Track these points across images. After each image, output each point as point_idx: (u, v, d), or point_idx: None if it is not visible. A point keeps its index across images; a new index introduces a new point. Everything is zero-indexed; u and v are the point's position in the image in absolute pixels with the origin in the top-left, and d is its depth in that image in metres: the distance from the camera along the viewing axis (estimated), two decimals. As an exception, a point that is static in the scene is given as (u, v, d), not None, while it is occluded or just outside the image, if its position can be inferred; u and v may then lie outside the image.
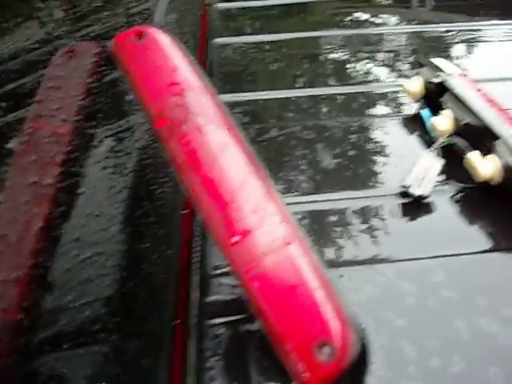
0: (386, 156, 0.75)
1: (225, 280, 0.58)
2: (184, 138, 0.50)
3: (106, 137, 0.56)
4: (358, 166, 0.73)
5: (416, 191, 0.64)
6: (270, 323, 0.45)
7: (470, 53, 1.09)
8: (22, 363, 0.40)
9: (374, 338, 0.50)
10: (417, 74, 0.82)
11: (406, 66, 1.04)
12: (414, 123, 0.81)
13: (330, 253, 0.60)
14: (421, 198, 0.64)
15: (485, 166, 0.64)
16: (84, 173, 0.48)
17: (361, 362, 0.49)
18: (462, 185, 0.68)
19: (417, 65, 0.85)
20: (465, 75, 0.80)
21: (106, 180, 0.51)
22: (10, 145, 0.50)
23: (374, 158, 0.75)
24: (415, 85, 0.80)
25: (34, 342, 0.42)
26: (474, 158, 0.65)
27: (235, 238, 0.47)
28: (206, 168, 0.49)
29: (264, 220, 0.47)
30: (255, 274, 0.46)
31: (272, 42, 1.13)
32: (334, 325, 0.44)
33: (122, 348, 0.48)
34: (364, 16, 1.32)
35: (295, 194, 0.69)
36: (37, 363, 0.41)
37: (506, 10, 1.29)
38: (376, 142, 0.78)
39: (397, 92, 0.90)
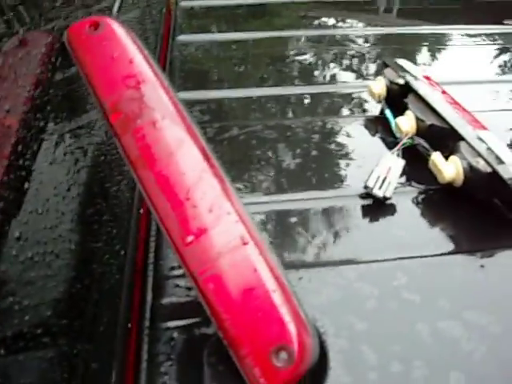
0: (349, 156, 0.74)
1: (180, 282, 0.56)
2: (138, 133, 0.48)
3: (56, 131, 0.54)
4: (320, 167, 0.72)
5: (378, 192, 0.63)
6: (225, 327, 0.43)
7: (433, 56, 1.09)
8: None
9: (334, 342, 0.49)
10: (381, 74, 0.81)
11: (371, 68, 1.04)
12: (378, 124, 0.80)
13: (290, 254, 0.58)
14: (383, 199, 0.63)
15: (448, 167, 0.63)
16: (30, 168, 0.45)
17: (319, 367, 0.47)
18: (423, 186, 0.67)
19: (381, 66, 0.84)
20: (428, 77, 0.80)
21: (54, 176, 0.48)
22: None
23: (337, 158, 0.74)
24: (379, 85, 0.80)
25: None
26: (437, 159, 0.64)
27: (190, 238, 0.45)
28: (160, 164, 0.47)
29: (220, 219, 0.45)
30: (210, 275, 0.44)
31: (236, 41, 1.11)
32: (291, 329, 0.42)
33: (69, 352, 0.45)
34: (331, 20, 1.31)
35: (256, 193, 0.67)
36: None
37: (469, 16, 1.30)
38: (339, 143, 0.77)
39: (361, 93, 0.89)
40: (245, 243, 0.44)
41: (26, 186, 0.44)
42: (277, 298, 0.43)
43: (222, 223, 0.45)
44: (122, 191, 0.64)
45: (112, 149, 0.63)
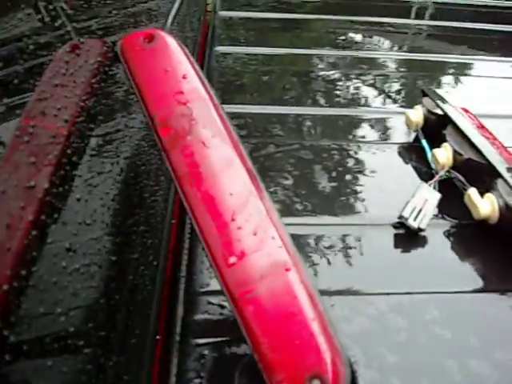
0: (383, 184, 0.74)
1: (213, 299, 0.56)
2: (187, 150, 0.48)
3: (105, 141, 0.54)
4: (354, 192, 0.72)
5: (413, 223, 0.63)
6: (262, 350, 0.43)
7: (469, 86, 1.09)
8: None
9: (365, 373, 0.49)
10: (419, 103, 0.81)
11: (406, 95, 1.04)
12: (412, 152, 0.80)
13: (322, 280, 0.58)
14: (417, 230, 0.63)
15: (484, 204, 0.63)
16: (78, 176, 0.46)
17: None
18: (457, 220, 0.67)
19: (420, 94, 0.84)
20: (466, 110, 0.80)
21: (100, 186, 0.49)
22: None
23: (371, 184, 0.74)
24: (417, 114, 0.80)
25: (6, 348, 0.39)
26: (473, 195, 0.64)
27: (232, 259, 0.45)
28: (207, 183, 0.47)
29: (264, 243, 0.45)
30: (251, 297, 0.44)
31: (275, 55, 1.12)
32: (328, 358, 0.42)
33: (102, 362, 0.46)
34: (366, 40, 1.32)
35: (290, 214, 0.67)
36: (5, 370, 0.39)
37: (503, 47, 1.30)
38: (373, 169, 0.77)
39: (395, 119, 0.89)
40: (287, 269, 0.44)
41: (78, 195, 0.44)
42: (315, 326, 0.43)
43: (266, 247, 0.45)
44: (157, 202, 0.64)
45: (151, 159, 0.63)
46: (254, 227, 0.46)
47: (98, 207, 0.47)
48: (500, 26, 1.41)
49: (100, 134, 0.57)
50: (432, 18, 1.50)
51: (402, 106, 0.97)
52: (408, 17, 1.49)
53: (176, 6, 0.90)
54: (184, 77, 0.51)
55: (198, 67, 0.53)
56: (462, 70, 1.16)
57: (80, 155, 0.47)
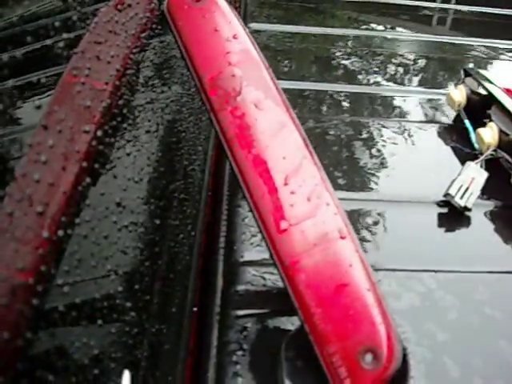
0: (425, 163, 0.72)
1: (253, 270, 0.54)
2: (238, 111, 0.46)
3: (146, 100, 0.52)
4: (396, 170, 0.70)
5: (460, 202, 0.61)
6: (314, 321, 0.41)
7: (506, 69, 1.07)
8: (32, 332, 0.36)
9: (415, 351, 0.47)
10: (462, 82, 0.79)
11: (443, 74, 1.02)
12: (453, 132, 0.78)
13: (367, 255, 0.56)
14: (463, 208, 0.61)
15: (535, 184, 0.61)
16: (123, 134, 0.44)
17: (400, 375, 0.45)
18: (504, 200, 0.64)
19: (461, 74, 0.81)
20: (510, 89, 0.77)
21: (148, 145, 0.47)
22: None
23: (413, 163, 0.72)
24: (459, 94, 0.77)
25: (48, 311, 0.38)
26: (523, 174, 0.62)
27: (284, 225, 0.43)
28: (259, 146, 0.45)
29: (318, 208, 0.43)
30: (303, 265, 0.42)
31: (311, 34, 1.09)
32: (383, 331, 0.40)
33: (144, 329, 0.44)
34: (392, 20, 1.30)
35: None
36: (46, 334, 0.37)
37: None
38: (414, 148, 0.75)
39: (437, 100, 0.87)
40: (342, 237, 0.42)
41: (128, 150, 0.42)
42: (370, 297, 0.41)
43: (320, 213, 0.43)
44: (195, 170, 0.62)
45: (191, 126, 0.61)
46: (308, 192, 0.44)
47: (145, 166, 0.45)
48: None
49: (156, 100, 0.56)
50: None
51: (440, 87, 0.94)
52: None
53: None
54: (235, 37, 0.49)
55: (247, 30, 0.51)
56: (496, 52, 1.14)
57: (127, 109, 0.45)
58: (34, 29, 0.75)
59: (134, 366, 0.42)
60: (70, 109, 0.44)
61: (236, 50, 0.49)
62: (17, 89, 0.45)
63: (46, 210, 0.37)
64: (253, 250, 0.56)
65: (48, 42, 0.53)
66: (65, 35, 0.49)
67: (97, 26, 0.51)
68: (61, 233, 0.35)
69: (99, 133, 0.41)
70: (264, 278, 0.53)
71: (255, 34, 1.04)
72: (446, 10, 1.44)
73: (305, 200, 0.43)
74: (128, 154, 0.42)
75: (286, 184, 0.44)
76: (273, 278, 0.52)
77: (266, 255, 0.50)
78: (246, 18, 1.11)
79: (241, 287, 0.53)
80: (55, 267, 0.36)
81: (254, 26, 1.07)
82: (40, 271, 0.35)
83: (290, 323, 0.48)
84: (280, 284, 0.44)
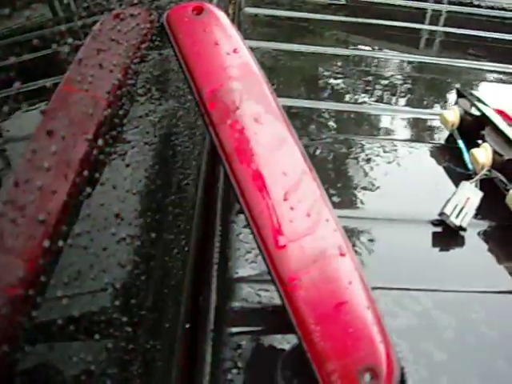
0: (419, 182, 0.72)
1: (247, 286, 0.53)
2: (237, 125, 0.46)
3: (144, 112, 0.52)
4: (390, 189, 0.70)
5: (455, 221, 0.60)
6: (313, 338, 0.40)
7: (496, 91, 1.07)
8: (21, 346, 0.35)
9: (413, 370, 0.46)
10: (455, 103, 0.79)
11: (436, 95, 1.02)
12: (445, 152, 0.78)
13: (364, 273, 0.56)
14: (458, 228, 0.61)
15: (529, 204, 0.61)
16: (127, 143, 0.43)
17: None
18: (498, 220, 0.64)
19: (455, 95, 0.82)
20: (502, 111, 0.78)
21: (147, 157, 0.46)
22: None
23: (407, 182, 0.72)
24: (453, 114, 0.78)
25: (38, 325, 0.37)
26: (517, 194, 0.62)
27: (283, 241, 0.42)
28: (258, 160, 0.44)
29: (318, 225, 0.43)
30: (301, 282, 0.41)
31: (303, 52, 1.10)
32: (382, 350, 0.39)
33: (138, 345, 0.43)
34: (383, 40, 1.31)
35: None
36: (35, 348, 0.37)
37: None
38: (408, 167, 0.75)
39: (431, 120, 0.87)
40: (342, 254, 0.42)
41: (127, 161, 0.42)
42: (369, 315, 0.41)
43: (320, 230, 0.43)
44: (189, 185, 0.61)
45: (186, 140, 0.61)
46: (308, 208, 0.43)
47: (143, 178, 0.44)
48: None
49: (153, 112, 0.55)
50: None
51: (434, 107, 0.95)
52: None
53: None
54: (235, 51, 0.49)
55: (247, 44, 0.51)
56: (484, 74, 1.15)
57: (124, 118, 0.45)
58: (27, 39, 0.74)
59: (127, 383, 0.41)
60: (67, 117, 0.43)
61: (236, 64, 0.48)
62: (15, 97, 0.44)
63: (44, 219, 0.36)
64: (247, 266, 0.55)
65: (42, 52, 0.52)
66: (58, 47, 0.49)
67: (96, 35, 0.50)
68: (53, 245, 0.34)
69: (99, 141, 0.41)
70: (259, 295, 0.52)
71: (249, 51, 1.04)
72: (434, 31, 1.45)
73: (304, 216, 0.43)
74: (127, 165, 0.41)
75: (285, 199, 0.43)
76: (268, 295, 0.51)
77: (261, 272, 0.49)
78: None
79: (235, 304, 0.52)
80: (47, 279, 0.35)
81: (248, 43, 1.07)
82: (32, 284, 0.34)
83: (286, 341, 0.48)
84: (275, 301, 0.43)
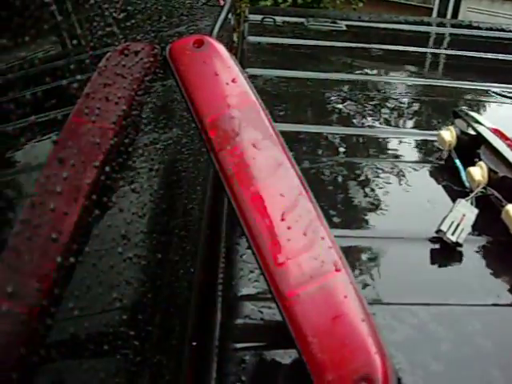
0: (417, 200, 0.74)
1: (251, 304, 0.55)
2: (237, 151, 0.48)
3: (150, 140, 0.55)
4: (390, 208, 0.72)
5: (451, 238, 0.63)
6: (311, 351, 0.42)
7: (494, 110, 1.10)
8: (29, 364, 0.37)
9: (410, 381, 0.48)
10: (452, 124, 0.82)
11: (433, 117, 1.05)
12: (443, 171, 0.80)
13: (364, 289, 0.58)
14: (455, 244, 0.63)
15: (523, 220, 0.63)
16: (128, 171, 0.46)
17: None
18: (494, 236, 0.66)
19: (451, 115, 0.85)
20: (497, 130, 0.80)
21: (150, 182, 0.49)
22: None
23: (406, 201, 0.74)
24: (450, 134, 0.80)
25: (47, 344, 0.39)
26: (512, 211, 0.64)
27: (282, 258, 0.45)
28: (257, 183, 0.47)
29: (314, 243, 0.45)
30: (300, 297, 0.44)
31: (305, 78, 1.13)
32: (377, 360, 0.41)
33: (145, 361, 0.45)
34: (384, 64, 1.34)
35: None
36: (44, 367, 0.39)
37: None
38: (406, 187, 0.77)
39: (429, 141, 0.90)
40: (337, 270, 0.44)
41: (133, 186, 0.44)
42: (365, 327, 0.43)
43: (316, 247, 0.45)
44: (194, 209, 0.64)
45: (191, 167, 0.64)
46: (304, 227, 0.46)
47: (148, 202, 0.47)
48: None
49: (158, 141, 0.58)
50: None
51: (431, 129, 0.97)
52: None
53: (222, 17, 0.92)
54: (234, 81, 0.52)
55: (245, 74, 0.54)
56: (484, 94, 1.17)
57: (131, 148, 0.48)
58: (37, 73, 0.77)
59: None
60: (76, 146, 0.46)
61: (235, 93, 0.51)
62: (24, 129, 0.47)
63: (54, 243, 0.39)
64: (250, 285, 0.57)
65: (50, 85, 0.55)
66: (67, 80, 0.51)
67: (102, 70, 0.53)
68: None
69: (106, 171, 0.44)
70: (262, 312, 0.54)
71: (252, 78, 1.07)
72: (437, 54, 1.48)
73: (301, 235, 0.45)
74: (133, 190, 0.44)
75: (282, 219, 0.46)
76: (270, 312, 0.54)
77: (263, 290, 0.52)
78: (243, 64, 1.15)
79: (239, 321, 0.54)
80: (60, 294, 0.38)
81: (251, 71, 1.11)
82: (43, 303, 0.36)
83: (288, 356, 0.50)
84: (277, 317, 0.46)
